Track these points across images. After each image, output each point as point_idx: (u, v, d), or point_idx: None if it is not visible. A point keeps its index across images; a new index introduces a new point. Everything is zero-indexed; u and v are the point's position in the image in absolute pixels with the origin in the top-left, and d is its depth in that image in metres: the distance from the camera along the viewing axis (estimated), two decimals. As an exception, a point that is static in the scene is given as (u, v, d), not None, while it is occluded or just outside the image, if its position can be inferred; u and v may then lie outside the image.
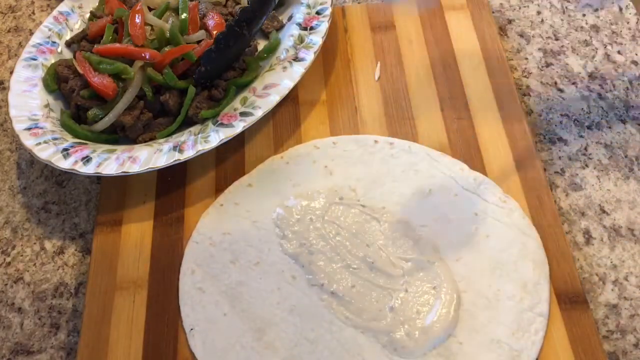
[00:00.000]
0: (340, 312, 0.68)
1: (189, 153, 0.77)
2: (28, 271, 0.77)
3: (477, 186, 0.76)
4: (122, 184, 0.80)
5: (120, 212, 0.78)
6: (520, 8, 0.97)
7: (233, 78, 0.86)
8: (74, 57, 0.86)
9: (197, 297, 0.70)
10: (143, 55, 0.82)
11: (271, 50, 0.88)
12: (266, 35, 0.91)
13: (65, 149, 0.78)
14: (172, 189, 0.80)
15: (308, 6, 0.90)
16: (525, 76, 0.90)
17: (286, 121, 0.85)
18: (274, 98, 0.81)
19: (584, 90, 0.88)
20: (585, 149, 0.82)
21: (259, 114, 0.80)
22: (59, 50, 0.90)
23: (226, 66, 0.84)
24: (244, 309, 0.69)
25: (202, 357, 0.67)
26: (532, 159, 0.79)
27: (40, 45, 0.89)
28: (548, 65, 0.90)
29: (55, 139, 0.80)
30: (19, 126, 0.80)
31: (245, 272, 0.72)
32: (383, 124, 0.84)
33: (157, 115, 0.83)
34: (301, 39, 0.87)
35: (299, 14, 0.90)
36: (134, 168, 0.76)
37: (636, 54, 0.91)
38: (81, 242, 0.79)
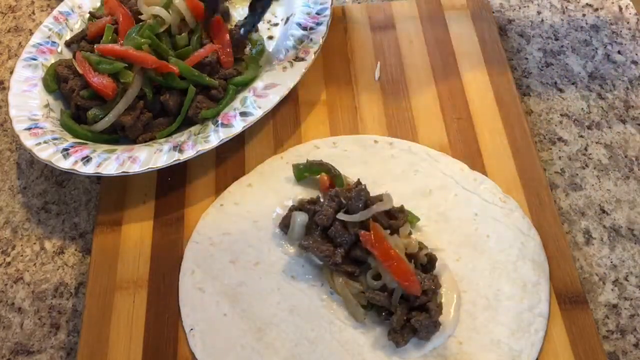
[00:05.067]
0: (340, 312, 0.68)
1: (189, 153, 0.77)
2: (28, 271, 0.77)
3: (477, 186, 0.76)
4: (122, 184, 0.80)
5: (120, 212, 0.78)
6: (520, 8, 0.97)
7: (233, 77, 0.86)
8: (74, 57, 0.86)
9: (197, 297, 0.70)
10: (143, 61, 0.81)
11: (260, 53, 0.89)
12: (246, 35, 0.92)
13: (65, 149, 0.78)
14: (172, 189, 0.80)
15: (308, 6, 0.90)
16: (525, 76, 0.90)
17: (286, 121, 0.85)
18: (274, 98, 0.81)
19: (584, 90, 0.88)
20: (585, 149, 0.82)
21: (259, 114, 0.80)
22: (59, 50, 0.90)
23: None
24: (244, 309, 0.69)
25: (202, 357, 0.67)
26: (532, 159, 0.79)
27: (40, 45, 0.89)
28: (548, 65, 0.91)
29: (55, 139, 0.79)
30: (19, 126, 0.80)
31: (245, 272, 0.72)
32: (383, 124, 0.84)
33: (157, 115, 0.83)
34: (301, 39, 0.87)
35: (299, 14, 0.90)
36: (134, 168, 0.76)
37: (636, 54, 0.91)
38: (81, 242, 0.79)
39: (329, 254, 0.68)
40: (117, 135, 0.83)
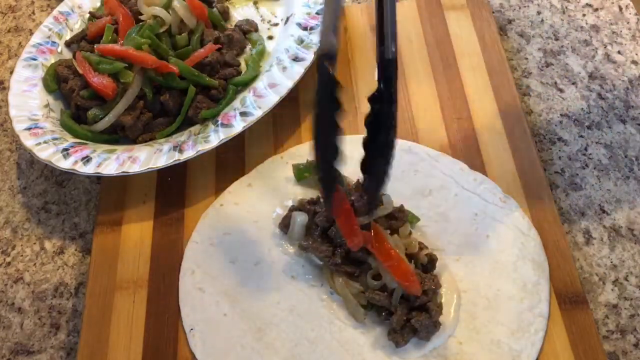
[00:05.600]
0: (340, 312, 0.68)
1: (189, 153, 0.77)
2: (28, 271, 0.77)
3: (477, 186, 0.76)
4: (122, 184, 0.80)
5: (120, 212, 0.78)
6: (520, 8, 0.97)
7: (233, 77, 0.86)
8: (74, 57, 0.86)
9: (198, 297, 0.70)
10: (143, 61, 0.81)
11: (260, 53, 0.89)
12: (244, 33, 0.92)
13: (65, 149, 0.78)
14: (172, 189, 0.80)
15: (308, 6, 0.90)
16: (525, 76, 0.89)
17: (286, 121, 0.85)
18: (274, 98, 0.81)
19: (584, 90, 0.88)
20: (585, 149, 0.82)
21: (259, 114, 0.80)
22: (59, 50, 0.90)
23: None
24: (244, 309, 0.69)
25: (202, 357, 0.67)
26: (532, 159, 0.79)
27: (40, 45, 0.89)
28: (548, 65, 0.90)
29: (55, 139, 0.80)
30: (19, 126, 0.80)
31: (245, 272, 0.72)
32: (383, 124, 0.83)
33: (157, 115, 0.83)
34: (301, 39, 0.87)
35: (299, 14, 0.90)
36: (134, 168, 0.76)
37: (636, 54, 0.91)
38: (81, 242, 0.79)
39: (329, 254, 0.69)
40: (117, 135, 0.83)
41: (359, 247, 0.66)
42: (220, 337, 0.68)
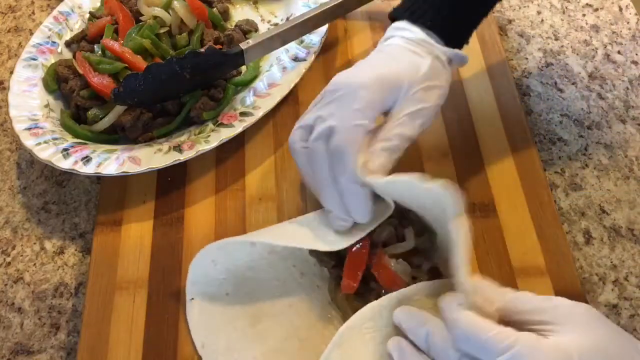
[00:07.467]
0: (337, 318, 0.68)
1: (189, 153, 0.77)
2: (28, 271, 0.77)
3: None
4: (122, 184, 0.80)
5: (120, 212, 0.78)
6: (520, 8, 0.97)
7: (233, 77, 0.86)
8: (74, 57, 0.86)
9: (209, 268, 0.69)
10: (135, 68, 0.81)
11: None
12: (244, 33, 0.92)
13: (65, 149, 0.78)
14: (172, 189, 0.80)
15: (308, 6, 0.90)
16: (525, 76, 0.90)
17: (286, 121, 0.85)
18: (274, 98, 0.81)
19: (584, 90, 0.88)
20: (585, 149, 0.82)
21: (259, 114, 0.80)
22: (59, 50, 0.90)
23: (154, 99, 0.80)
24: (247, 292, 0.69)
25: (194, 328, 0.67)
26: (532, 159, 0.79)
27: (40, 45, 0.89)
28: (548, 65, 0.90)
29: (55, 139, 0.79)
30: (19, 126, 0.80)
31: (258, 257, 0.71)
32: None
33: (156, 115, 0.83)
34: (301, 39, 0.87)
35: (299, 14, 0.90)
36: (134, 168, 0.76)
37: (636, 54, 0.91)
38: (81, 242, 0.79)
39: (334, 265, 0.68)
40: (117, 135, 0.83)
41: (350, 292, 0.65)
42: (216, 314, 0.68)
